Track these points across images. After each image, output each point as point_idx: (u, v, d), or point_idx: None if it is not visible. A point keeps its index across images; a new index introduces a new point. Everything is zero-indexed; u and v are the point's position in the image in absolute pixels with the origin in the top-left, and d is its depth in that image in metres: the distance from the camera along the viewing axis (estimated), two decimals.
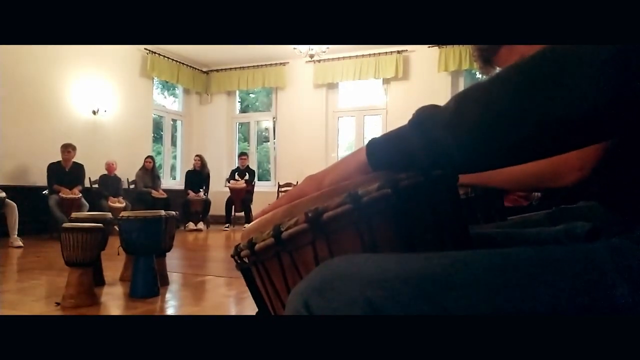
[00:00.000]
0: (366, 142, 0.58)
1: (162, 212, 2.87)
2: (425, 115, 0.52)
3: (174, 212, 3.35)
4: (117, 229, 2.97)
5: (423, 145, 0.51)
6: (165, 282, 3.15)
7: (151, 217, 2.78)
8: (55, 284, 3.05)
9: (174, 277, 3.46)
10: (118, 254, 3.05)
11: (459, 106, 0.49)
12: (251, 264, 0.61)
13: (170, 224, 3.14)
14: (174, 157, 9.80)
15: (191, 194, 7.90)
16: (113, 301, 2.78)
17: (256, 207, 8.17)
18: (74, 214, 3.26)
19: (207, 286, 3.29)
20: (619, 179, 0.65)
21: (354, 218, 0.53)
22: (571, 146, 0.48)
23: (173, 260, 3.98)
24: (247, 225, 0.62)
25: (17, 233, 5.13)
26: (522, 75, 0.46)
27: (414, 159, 0.52)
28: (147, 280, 2.74)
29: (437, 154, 0.51)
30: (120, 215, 2.79)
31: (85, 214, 3.45)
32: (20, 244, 5.06)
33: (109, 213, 3.44)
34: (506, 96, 0.46)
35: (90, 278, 2.63)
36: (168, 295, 2.95)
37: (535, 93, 0.44)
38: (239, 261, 0.63)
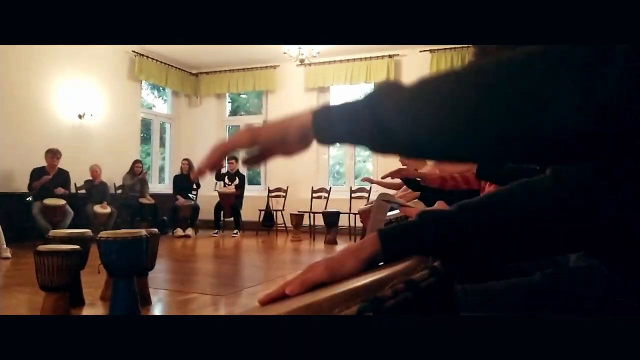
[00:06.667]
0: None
1: (143, 232, 2.76)
2: (382, 92, 0.47)
3: (155, 230, 3.25)
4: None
5: (372, 123, 0.47)
6: (147, 302, 3.05)
7: (131, 237, 2.66)
8: (34, 304, 2.92)
9: (158, 295, 3.35)
10: (99, 272, 2.94)
11: (419, 91, 0.45)
12: None
13: (152, 242, 3.04)
14: (163, 159, 9.66)
15: (180, 199, 7.77)
16: None
17: (246, 213, 8.06)
18: (52, 232, 3.14)
19: (191, 306, 3.18)
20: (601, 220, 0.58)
21: None
22: (530, 162, 0.46)
23: (157, 274, 3.85)
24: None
25: (5, 244, 5.00)
26: (494, 78, 0.40)
27: (361, 135, 0.49)
28: (126, 304, 2.63)
29: (384, 135, 0.47)
30: (99, 235, 2.67)
31: (63, 231, 3.33)
32: (9, 255, 4.94)
33: (89, 230, 3.31)
34: (470, 97, 0.41)
35: (67, 302, 2.53)
36: None
37: (503, 102, 0.39)
38: None
